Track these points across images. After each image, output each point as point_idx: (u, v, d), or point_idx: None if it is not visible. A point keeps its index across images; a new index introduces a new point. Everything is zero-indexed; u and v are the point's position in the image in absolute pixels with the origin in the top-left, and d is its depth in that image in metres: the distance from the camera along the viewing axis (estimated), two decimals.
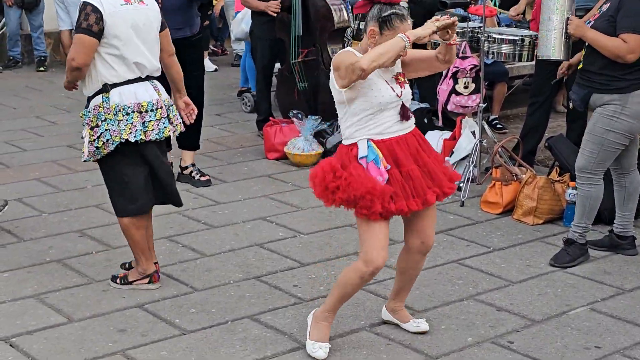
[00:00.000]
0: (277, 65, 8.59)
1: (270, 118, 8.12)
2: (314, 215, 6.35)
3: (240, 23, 9.08)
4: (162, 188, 5.10)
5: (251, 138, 8.47)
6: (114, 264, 5.42)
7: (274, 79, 8.63)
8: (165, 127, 4.97)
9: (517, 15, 7.44)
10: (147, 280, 5.12)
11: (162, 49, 5.12)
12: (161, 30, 5.09)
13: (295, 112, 7.73)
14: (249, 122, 9.01)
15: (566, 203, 6.19)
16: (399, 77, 4.32)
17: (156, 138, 4.94)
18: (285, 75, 8.28)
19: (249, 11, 8.55)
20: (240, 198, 6.77)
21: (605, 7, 5.42)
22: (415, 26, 4.23)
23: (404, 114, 4.28)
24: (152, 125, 4.91)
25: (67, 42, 11.15)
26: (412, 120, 4.36)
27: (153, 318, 4.79)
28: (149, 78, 5.01)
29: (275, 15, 7.91)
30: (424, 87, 8.39)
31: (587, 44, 5.45)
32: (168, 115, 5.05)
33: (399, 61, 4.33)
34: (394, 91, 4.26)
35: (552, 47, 5.72)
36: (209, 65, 11.26)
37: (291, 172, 7.45)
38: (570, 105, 5.95)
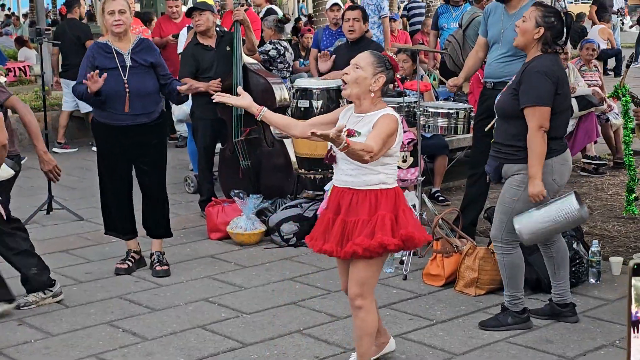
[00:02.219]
0: (219, 145, 8.61)
1: (213, 198, 8.11)
2: (257, 294, 6.31)
3: (182, 105, 9.09)
4: None
5: (194, 219, 8.45)
6: (52, 351, 5.32)
7: (216, 159, 8.65)
8: None
9: (454, 86, 7.53)
10: None
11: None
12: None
13: (236, 191, 7.73)
14: (192, 202, 9.00)
15: None
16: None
17: None
18: (228, 154, 8.30)
19: None
20: (182, 280, 6.71)
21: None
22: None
23: (329, 157, 4.61)
24: None
25: (63, 123, 12.27)
26: (373, 177, 4.52)
27: None
28: None
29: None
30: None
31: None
32: None
33: (351, 116, 4.62)
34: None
35: None
36: None
37: (234, 251, 7.42)
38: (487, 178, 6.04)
